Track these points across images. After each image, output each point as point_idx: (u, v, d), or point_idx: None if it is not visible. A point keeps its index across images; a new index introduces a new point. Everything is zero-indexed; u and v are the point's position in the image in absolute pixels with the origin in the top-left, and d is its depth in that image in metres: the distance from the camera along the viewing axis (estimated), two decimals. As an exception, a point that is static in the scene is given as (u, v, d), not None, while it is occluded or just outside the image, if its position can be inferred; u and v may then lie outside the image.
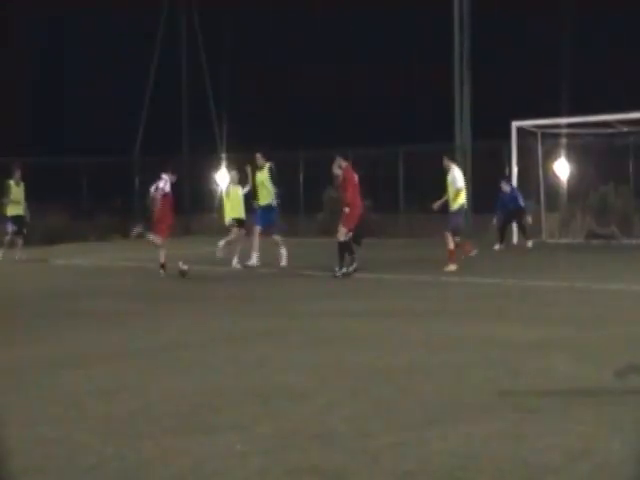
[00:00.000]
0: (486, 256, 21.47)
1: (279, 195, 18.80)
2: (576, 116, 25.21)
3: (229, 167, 26.06)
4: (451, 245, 16.82)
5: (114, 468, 5.16)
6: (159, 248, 16.93)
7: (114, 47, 39.67)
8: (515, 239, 25.12)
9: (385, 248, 20.67)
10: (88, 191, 33.14)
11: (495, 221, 23.83)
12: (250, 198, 19.41)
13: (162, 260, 16.85)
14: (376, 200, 26.33)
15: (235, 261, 18.61)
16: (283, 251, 18.42)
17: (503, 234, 23.40)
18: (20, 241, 22.72)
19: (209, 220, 35.43)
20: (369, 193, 21.94)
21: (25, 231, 22.94)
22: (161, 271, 16.86)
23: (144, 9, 36.97)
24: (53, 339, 10.14)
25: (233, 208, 19.22)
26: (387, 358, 8.34)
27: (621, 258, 20.34)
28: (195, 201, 36.63)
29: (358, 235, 16.81)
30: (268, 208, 18.61)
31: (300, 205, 31.53)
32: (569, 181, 26.96)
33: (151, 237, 17.07)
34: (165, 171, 17.11)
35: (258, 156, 19.00)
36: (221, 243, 18.94)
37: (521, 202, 23.44)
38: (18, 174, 22.65)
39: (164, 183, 16.84)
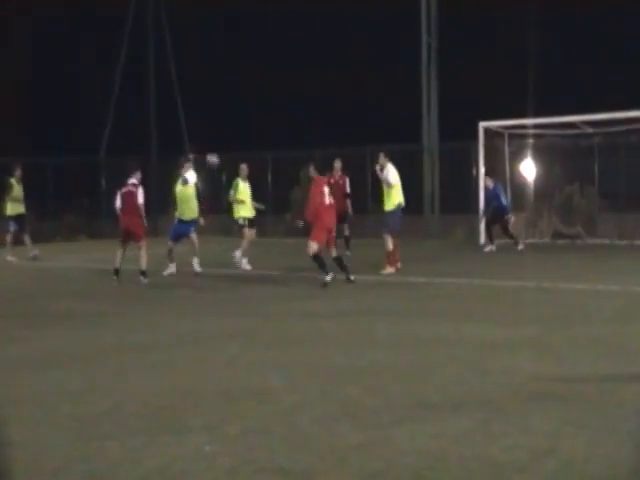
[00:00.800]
0: (453, 257, 21.58)
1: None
2: (542, 117, 25.37)
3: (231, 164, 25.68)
4: (390, 246, 16.53)
5: (81, 470, 5.13)
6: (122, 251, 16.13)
7: (79, 45, 39.42)
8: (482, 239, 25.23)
9: (354, 248, 20.68)
10: (54, 191, 32.90)
11: (482, 216, 23.56)
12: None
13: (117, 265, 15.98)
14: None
15: (244, 262, 18.18)
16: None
17: (491, 234, 23.18)
18: (28, 239, 22.57)
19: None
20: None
21: (28, 229, 22.84)
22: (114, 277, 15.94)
23: (111, 8, 36.78)
24: (20, 340, 10.07)
25: (245, 206, 18.42)
26: (355, 358, 8.36)
27: (586, 258, 20.51)
28: (163, 201, 36.48)
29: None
30: None
31: (268, 205, 31.49)
32: (535, 181, 27.12)
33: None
34: (134, 175, 16.37)
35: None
36: (237, 254, 18.28)
37: (503, 200, 23.15)
38: (19, 172, 22.53)
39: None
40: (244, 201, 18.45)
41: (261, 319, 11.30)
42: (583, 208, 25.83)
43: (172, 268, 17.51)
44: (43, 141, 35.59)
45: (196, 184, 18.38)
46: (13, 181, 22.37)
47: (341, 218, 19.14)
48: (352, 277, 15.17)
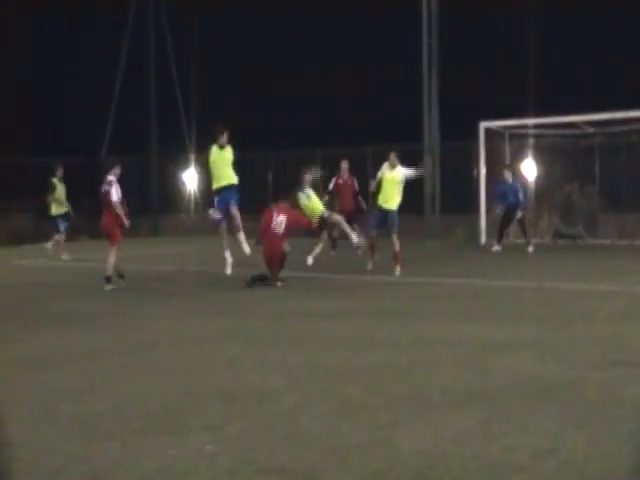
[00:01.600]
0: (454, 257, 21.59)
1: None
2: (543, 117, 25.40)
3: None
4: (398, 247, 16.38)
5: (82, 470, 5.14)
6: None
7: (80, 46, 39.42)
8: (484, 239, 25.24)
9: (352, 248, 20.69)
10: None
11: (499, 211, 23.18)
12: None
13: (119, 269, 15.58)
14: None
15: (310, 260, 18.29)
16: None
17: (502, 233, 22.96)
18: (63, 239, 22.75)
19: (176, 220, 35.36)
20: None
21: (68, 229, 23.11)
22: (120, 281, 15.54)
23: (112, 8, 36.79)
24: (20, 340, 10.07)
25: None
26: (356, 358, 8.37)
27: (587, 258, 20.52)
28: (163, 201, 36.53)
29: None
30: None
31: (269, 205, 31.48)
32: (536, 181, 27.14)
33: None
34: (113, 171, 15.75)
35: None
36: (313, 254, 18.23)
37: (520, 196, 22.79)
38: (60, 172, 22.67)
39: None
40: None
41: (260, 319, 11.30)
42: (583, 208, 25.83)
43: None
44: (43, 141, 35.60)
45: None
46: (55, 181, 22.57)
47: (350, 218, 19.21)
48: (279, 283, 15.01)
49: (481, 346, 8.84)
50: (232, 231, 15.91)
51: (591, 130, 25.10)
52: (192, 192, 36.09)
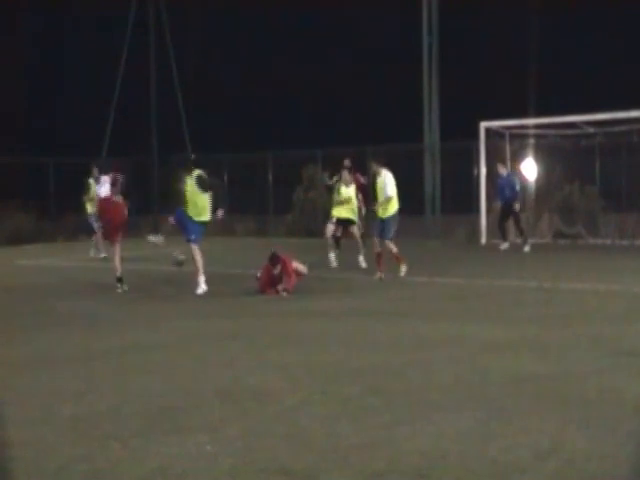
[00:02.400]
0: (454, 257, 21.58)
1: None
2: (543, 117, 25.38)
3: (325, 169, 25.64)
4: (395, 249, 16.13)
5: (82, 470, 5.14)
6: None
7: (79, 46, 39.43)
8: (484, 239, 25.24)
9: (352, 249, 20.66)
10: (55, 191, 32.92)
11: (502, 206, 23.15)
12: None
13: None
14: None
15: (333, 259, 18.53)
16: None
17: (504, 230, 22.97)
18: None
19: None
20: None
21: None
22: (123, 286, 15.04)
23: (112, 10, 36.80)
24: (21, 340, 10.08)
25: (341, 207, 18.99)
26: (356, 358, 8.37)
27: (587, 258, 20.50)
28: (164, 201, 36.50)
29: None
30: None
31: (270, 206, 31.53)
32: (537, 181, 27.12)
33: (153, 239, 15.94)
34: (105, 173, 15.58)
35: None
36: (360, 257, 18.32)
37: (517, 189, 22.76)
38: (96, 172, 22.78)
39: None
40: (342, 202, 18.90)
41: (260, 319, 11.30)
42: (584, 208, 25.82)
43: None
44: (44, 141, 35.63)
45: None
46: (91, 181, 22.64)
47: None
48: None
49: (481, 346, 8.84)
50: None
51: (592, 130, 25.07)
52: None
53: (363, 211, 20.07)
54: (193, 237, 14.65)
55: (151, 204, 36.03)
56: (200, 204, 14.78)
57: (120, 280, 14.93)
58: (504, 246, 22.41)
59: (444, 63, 28.87)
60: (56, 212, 31.87)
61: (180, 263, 15.10)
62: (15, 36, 38.41)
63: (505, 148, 26.46)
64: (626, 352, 8.43)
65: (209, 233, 23.71)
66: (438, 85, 28.52)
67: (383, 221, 16.21)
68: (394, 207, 16.24)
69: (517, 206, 22.66)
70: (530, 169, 26.90)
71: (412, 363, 8.03)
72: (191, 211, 14.75)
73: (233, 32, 39.67)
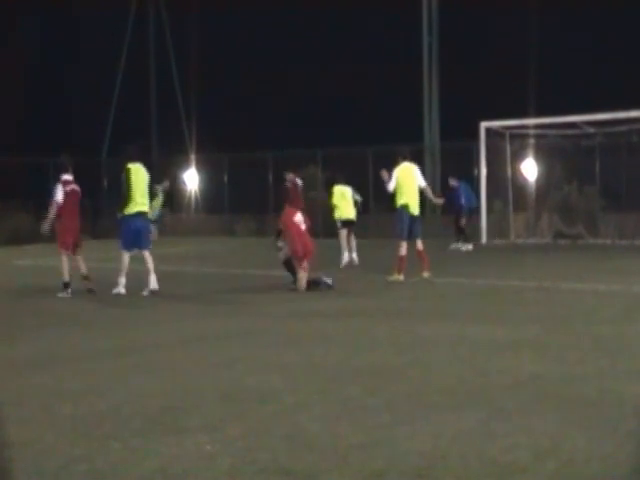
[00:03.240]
0: (454, 256, 21.59)
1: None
2: (544, 117, 25.41)
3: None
4: (401, 252, 15.78)
5: (82, 470, 5.13)
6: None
7: (80, 47, 39.41)
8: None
9: (358, 248, 20.67)
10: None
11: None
12: None
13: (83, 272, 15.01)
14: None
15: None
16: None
17: (463, 233, 23.42)
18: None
19: (176, 220, 35.32)
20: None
21: None
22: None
23: (112, 10, 36.80)
24: (21, 340, 10.07)
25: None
26: (356, 358, 8.36)
27: (587, 258, 20.51)
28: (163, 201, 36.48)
29: None
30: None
31: (269, 205, 31.52)
32: (537, 181, 27.15)
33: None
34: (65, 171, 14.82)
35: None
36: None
37: (462, 201, 23.30)
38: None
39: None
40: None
41: (260, 319, 11.30)
42: (584, 208, 25.84)
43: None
44: (44, 141, 35.58)
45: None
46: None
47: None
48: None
49: (482, 346, 8.83)
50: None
51: (591, 130, 25.09)
52: (192, 192, 36.09)
53: None
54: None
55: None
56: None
57: (67, 285, 14.63)
58: (465, 248, 22.64)
59: (444, 63, 28.89)
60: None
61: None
62: (15, 35, 38.42)
63: (505, 148, 26.49)
64: (626, 352, 8.43)
65: (205, 233, 23.66)
66: (438, 85, 28.56)
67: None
68: (398, 202, 15.98)
69: (463, 221, 23.11)
70: (530, 169, 26.94)
71: (412, 363, 8.02)
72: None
73: (233, 31, 39.65)
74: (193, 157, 35.84)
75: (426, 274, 15.65)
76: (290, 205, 15.71)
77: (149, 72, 37.86)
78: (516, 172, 26.92)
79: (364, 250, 20.81)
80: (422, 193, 16.26)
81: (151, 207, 22.05)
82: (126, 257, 14.59)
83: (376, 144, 27.41)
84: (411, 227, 15.91)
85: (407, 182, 15.93)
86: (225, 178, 33.83)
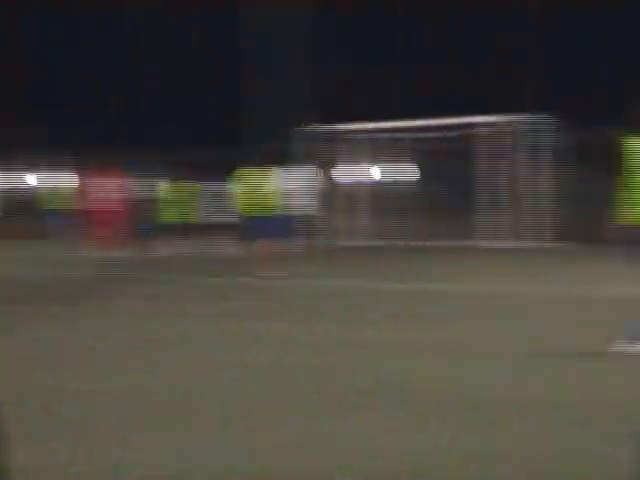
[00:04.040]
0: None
1: None
2: (377, 121, 25.89)
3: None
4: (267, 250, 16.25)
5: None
6: None
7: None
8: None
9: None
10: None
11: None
12: None
13: None
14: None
15: None
16: None
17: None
18: None
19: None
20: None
21: None
22: None
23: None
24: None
25: None
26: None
27: (406, 259, 21.15)
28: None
29: None
30: None
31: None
32: (356, 184, 27.74)
33: None
34: None
35: None
36: None
37: None
38: None
39: None
40: None
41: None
42: (405, 210, 26.56)
43: None
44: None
45: None
46: None
47: None
48: None
49: (315, 347, 8.83)
50: None
51: (407, 135, 25.82)
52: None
53: None
54: None
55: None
56: None
57: None
58: None
59: (264, 65, 29.04)
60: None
61: None
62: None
63: (324, 151, 26.85)
64: (453, 350, 8.64)
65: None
66: (259, 88, 28.64)
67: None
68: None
69: None
70: (349, 173, 27.54)
71: (272, 364, 7.94)
72: None
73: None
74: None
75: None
76: None
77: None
78: (336, 174, 27.40)
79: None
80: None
81: None
82: None
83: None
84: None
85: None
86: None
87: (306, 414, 6.05)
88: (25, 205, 29.71)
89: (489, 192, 24.84)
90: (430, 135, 24.97)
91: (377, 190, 27.30)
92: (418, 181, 27.30)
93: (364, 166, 27.66)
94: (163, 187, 24.56)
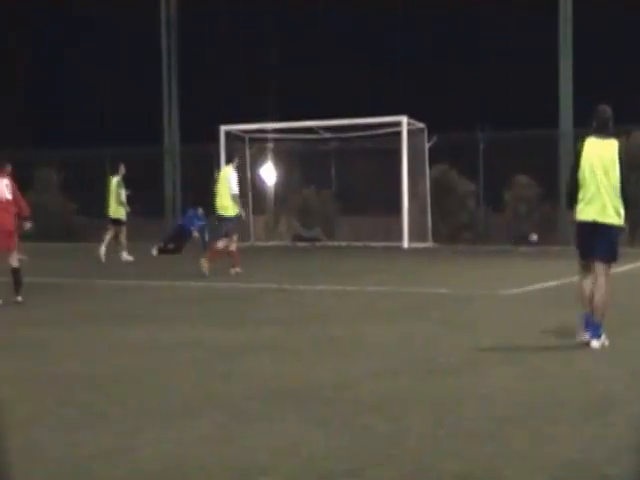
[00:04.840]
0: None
1: None
2: (282, 122, 25.95)
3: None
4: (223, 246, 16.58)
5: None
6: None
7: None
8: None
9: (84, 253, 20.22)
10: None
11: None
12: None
13: None
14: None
15: None
16: None
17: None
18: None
19: None
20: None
21: None
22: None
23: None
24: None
25: None
26: (94, 365, 8.16)
27: (325, 259, 21.14)
28: None
29: None
30: None
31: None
32: (276, 185, 27.71)
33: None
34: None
35: None
36: None
37: None
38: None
39: None
40: None
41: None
42: (320, 211, 26.63)
43: None
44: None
45: None
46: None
47: None
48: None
49: (222, 349, 8.87)
50: None
51: (328, 135, 25.86)
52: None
53: None
54: None
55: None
56: None
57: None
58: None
59: (185, 64, 28.87)
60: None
61: None
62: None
63: (245, 152, 26.76)
64: (361, 351, 8.75)
65: None
66: (178, 86, 28.47)
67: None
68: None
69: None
70: (269, 173, 27.45)
71: (152, 369, 7.93)
72: None
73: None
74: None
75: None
76: None
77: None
78: (255, 176, 27.35)
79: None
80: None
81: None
82: None
83: (115, 145, 26.87)
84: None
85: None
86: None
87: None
88: None
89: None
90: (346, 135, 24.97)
91: (293, 190, 27.42)
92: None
93: (282, 166, 27.71)
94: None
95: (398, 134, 24.27)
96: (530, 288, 13.90)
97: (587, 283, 8.81)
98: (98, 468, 5.06)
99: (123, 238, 20.23)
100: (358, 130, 24.83)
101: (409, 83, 31.97)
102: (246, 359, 8.33)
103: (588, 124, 8.93)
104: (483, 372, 7.65)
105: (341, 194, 26.84)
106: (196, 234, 23.19)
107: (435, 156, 24.77)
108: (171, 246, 22.65)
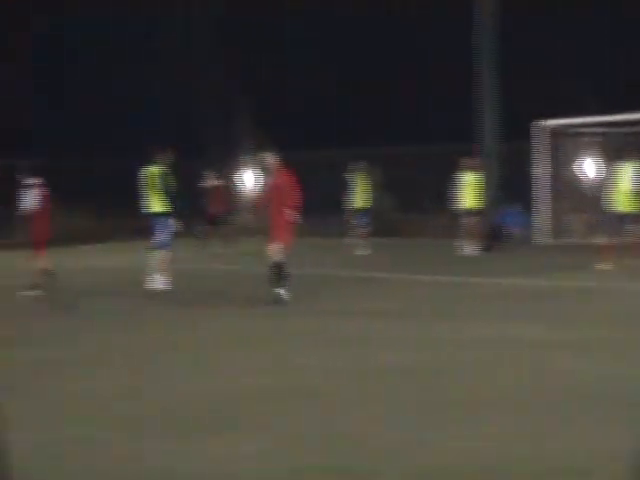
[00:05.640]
0: (512, 256, 20.97)
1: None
2: (601, 115, 24.85)
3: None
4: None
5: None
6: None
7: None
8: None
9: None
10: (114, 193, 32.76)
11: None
12: None
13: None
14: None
15: None
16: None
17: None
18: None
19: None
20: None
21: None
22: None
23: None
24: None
25: None
26: (412, 356, 8.22)
27: None
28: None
29: None
30: None
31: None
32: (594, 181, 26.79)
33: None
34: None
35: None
36: None
37: None
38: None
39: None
40: None
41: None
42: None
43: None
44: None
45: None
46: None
47: None
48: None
49: (543, 347, 8.59)
50: None
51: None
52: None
53: None
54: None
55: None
56: None
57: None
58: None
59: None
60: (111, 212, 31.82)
61: None
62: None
63: (565, 147, 26.02)
64: None
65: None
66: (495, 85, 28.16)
67: None
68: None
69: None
70: (590, 168, 26.67)
71: (473, 361, 7.90)
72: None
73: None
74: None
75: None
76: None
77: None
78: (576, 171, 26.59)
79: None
80: None
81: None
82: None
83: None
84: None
85: None
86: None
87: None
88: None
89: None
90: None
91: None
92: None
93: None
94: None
95: None
96: None
97: None
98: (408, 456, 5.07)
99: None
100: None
101: None
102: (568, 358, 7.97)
103: None
104: None
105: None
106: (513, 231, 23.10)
107: None
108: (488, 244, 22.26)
